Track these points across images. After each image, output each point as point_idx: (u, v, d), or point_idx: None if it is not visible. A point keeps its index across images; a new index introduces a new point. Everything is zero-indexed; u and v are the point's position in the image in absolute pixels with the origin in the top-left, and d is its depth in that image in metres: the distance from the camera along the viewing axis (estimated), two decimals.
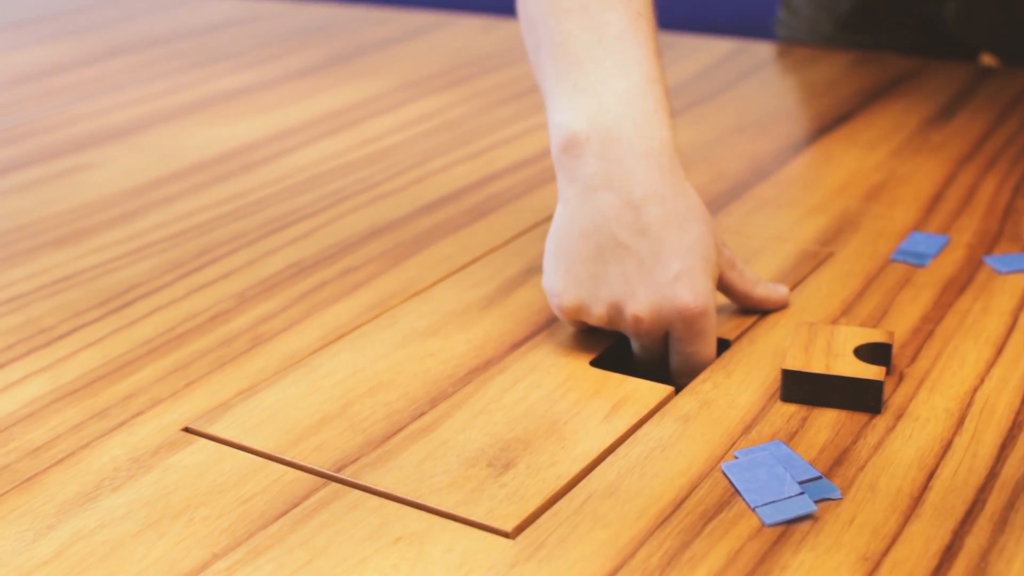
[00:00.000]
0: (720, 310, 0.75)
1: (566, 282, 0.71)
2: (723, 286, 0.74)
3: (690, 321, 0.69)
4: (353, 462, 0.61)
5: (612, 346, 0.73)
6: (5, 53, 1.50)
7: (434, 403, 0.67)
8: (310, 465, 0.61)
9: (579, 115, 0.71)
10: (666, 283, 0.69)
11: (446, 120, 1.17)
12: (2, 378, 0.70)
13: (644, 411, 0.65)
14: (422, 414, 0.66)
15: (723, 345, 0.73)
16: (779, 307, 0.76)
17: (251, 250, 0.87)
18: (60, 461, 0.62)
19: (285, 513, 0.57)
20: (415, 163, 1.05)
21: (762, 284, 0.76)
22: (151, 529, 0.56)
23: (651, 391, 0.67)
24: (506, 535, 0.55)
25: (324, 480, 0.60)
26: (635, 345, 0.72)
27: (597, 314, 0.71)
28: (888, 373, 0.68)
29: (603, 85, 0.72)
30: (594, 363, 0.72)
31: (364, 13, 1.69)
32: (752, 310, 0.76)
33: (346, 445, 0.63)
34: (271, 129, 1.16)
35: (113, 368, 0.71)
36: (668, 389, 0.67)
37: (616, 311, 0.70)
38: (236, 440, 0.63)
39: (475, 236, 0.89)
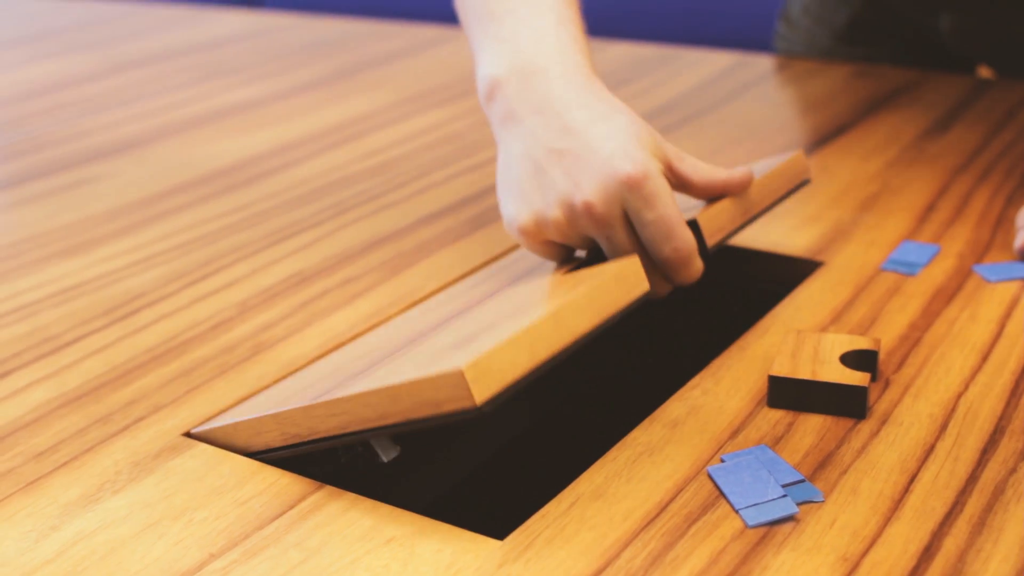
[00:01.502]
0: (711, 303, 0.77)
1: (517, 204, 0.73)
2: (679, 181, 0.73)
3: (637, 187, 0.69)
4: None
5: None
6: (17, 67, 1.53)
7: None
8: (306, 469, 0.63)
9: (498, 62, 0.76)
10: (603, 162, 0.69)
11: (448, 133, 1.18)
12: (8, 384, 0.72)
13: None
14: None
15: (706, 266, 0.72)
16: (744, 189, 0.75)
17: (253, 260, 0.89)
18: (63, 465, 0.64)
19: (281, 515, 0.59)
20: (417, 175, 1.07)
21: (721, 169, 0.75)
22: (151, 530, 0.58)
23: None
24: (495, 536, 0.57)
25: (319, 484, 0.61)
26: (605, 246, 0.72)
27: (554, 219, 0.71)
28: (874, 379, 0.69)
29: (517, 32, 0.77)
30: None
31: (368, 27, 1.71)
32: (717, 198, 0.75)
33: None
34: (276, 142, 1.17)
35: (117, 375, 0.73)
36: None
37: (569, 208, 0.70)
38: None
39: (474, 247, 0.90)
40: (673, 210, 0.69)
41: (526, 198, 0.72)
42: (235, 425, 0.64)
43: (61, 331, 0.79)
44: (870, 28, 1.35)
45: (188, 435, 0.66)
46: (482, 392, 0.54)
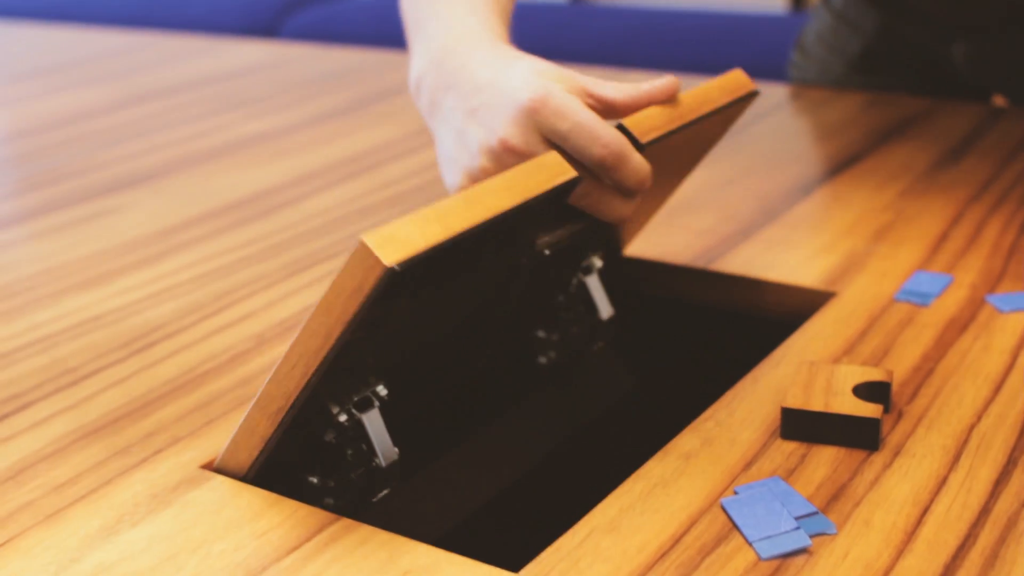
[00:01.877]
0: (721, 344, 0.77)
1: (451, 172, 0.76)
2: (603, 106, 0.74)
3: (541, 107, 0.70)
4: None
5: None
6: (36, 99, 1.54)
7: None
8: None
9: (418, 62, 0.81)
10: (507, 100, 0.72)
11: None
12: (28, 417, 0.73)
13: None
14: None
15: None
16: (670, 95, 0.74)
17: (270, 292, 0.90)
18: (83, 497, 0.64)
19: (298, 547, 0.59)
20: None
21: (645, 83, 0.75)
22: (169, 562, 0.59)
23: None
24: (510, 569, 0.57)
25: (336, 516, 0.62)
26: None
27: (482, 168, 0.74)
28: (887, 411, 0.69)
29: (435, 31, 0.81)
30: None
31: (384, 58, 1.72)
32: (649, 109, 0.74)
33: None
34: (292, 173, 1.18)
35: (135, 407, 0.74)
36: None
37: (490, 153, 0.73)
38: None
39: None
40: (586, 115, 0.71)
41: (456, 163, 0.76)
42: (234, 440, 0.64)
43: (80, 363, 0.79)
44: (884, 57, 1.35)
45: (206, 467, 0.67)
46: (390, 256, 0.54)
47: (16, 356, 0.81)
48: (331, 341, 0.57)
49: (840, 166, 1.13)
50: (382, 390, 0.65)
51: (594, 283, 0.82)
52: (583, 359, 0.87)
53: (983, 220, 0.97)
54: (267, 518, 0.62)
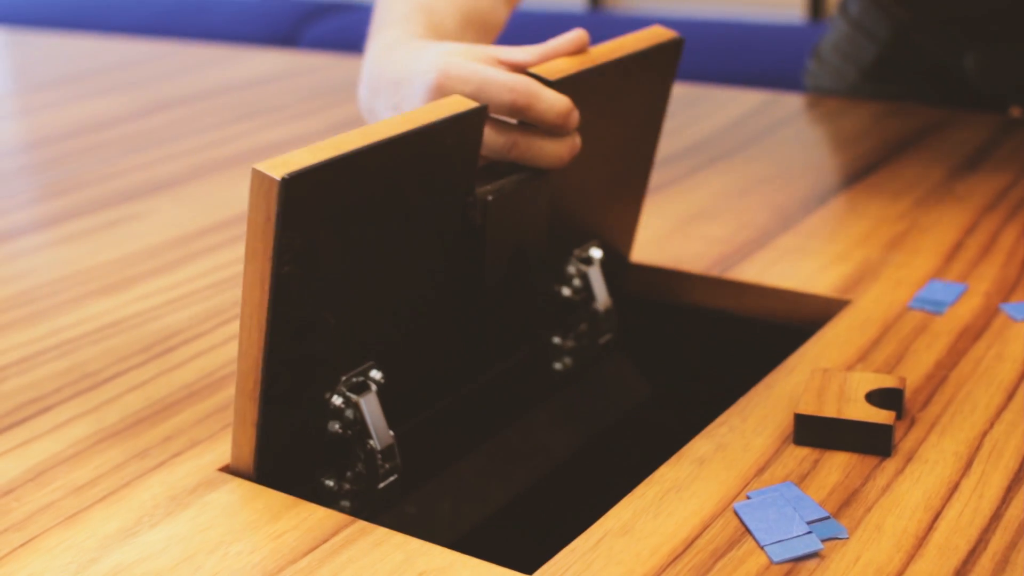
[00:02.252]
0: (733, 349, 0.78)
1: None
2: (516, 67, 0.76)
3: (444, 81, 0.74)
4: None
5: None
6: (60, 107, 1.55)
7: None
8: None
9: (360, 83, 0.86)
10: (419, 82, 0.76)
11: None
12: (49, 420, 0.74)
13: None
14: None
15: None
16: (581, 45, 0.77)
17: None
18: (103, 499, 0.65)
19: (314, 549, 0.60)
20: None
21: (551, 40, 0.77)
22: (187, 563, 0.59)
23: None
24: (524, 571, 0.58)
25: (352, 518, 0.63)
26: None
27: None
28: (899, 417, 0.70)
29: (369, 54, 0.86)
30: None
31: None
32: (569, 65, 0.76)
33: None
34: None
35: (155, 411, 0.75)
36: None
37: None
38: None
39: None
40: (489, 71, 0.73)
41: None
42: (234, 437, 0.66)
43: (100, 367, 0.80)
44: (897, 66, 1.36)
45: (224, 470, 0.68)
46: (280, 172, 0.58)
47: (37, 360, 0.82)
48: (267, 281, 0.59)
49: (856, 176, 1.13)
50: (376, 374, 0.67)
51: (595, 274, 0.83)
52: (597, 365, 0.87)
53: (998, 229, 0.97)
54: (284, 520, 0.63)
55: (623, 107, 0.82)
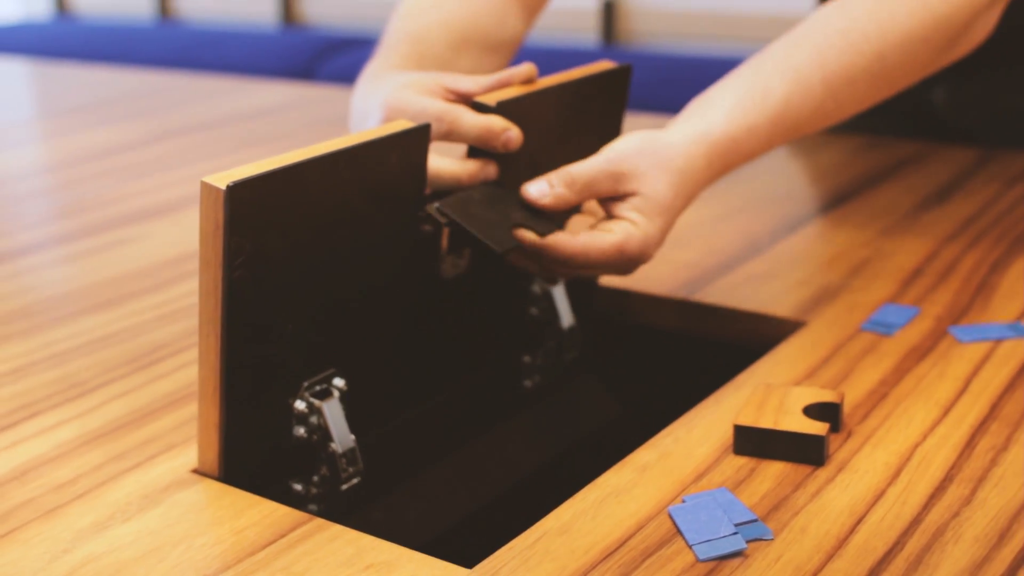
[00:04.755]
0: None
1: None
2: (462, 95, 0.82)
3: (391, 114, 0.81)
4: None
5: None
6: (72, 133, 1.61)
7: None
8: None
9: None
10: (374, 119, 0.84)
11: None
12: (37, 424, 0.78)
13: None
14: None
15: None
16: (528, 77, 0.83)
17: None
18: (80, 496, 0.70)
19: (272, 542, 0.64)
20: None
21: (502, 71, 0.83)
22: (153, 554, 0.64)
23: None
24: (465, 566, 0.62)
25: (311, 516, 0.67)
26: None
27: None
28: (836, 430, 0.74)
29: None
30: None
31: None
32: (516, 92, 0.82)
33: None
34: None
35: (136, 417, 0.79)
36: None
37: None
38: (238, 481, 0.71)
39: None
40: (423, 101, 0.80)
41: None
42: (199, 440, 0.70)
43: (88, 377, 0.85)
44: None
45: (196, 472, 0.72)
46: (225, 181, 0.63)
47: (30, 370, 0.86)
48: (220, 287, 0.63)
49: (828, 205, 1.17)
50: (339, 382, 0.71)
51: (559, 293, 0.88)
52: (566, 383, 0.91)
53: (957, 257, 1.01)
54: (247, 516, 0.67)
55: (574, 129, 0.86)
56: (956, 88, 1.29)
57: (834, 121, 0.91)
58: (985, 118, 1.32)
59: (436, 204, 0.76)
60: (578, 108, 0.86)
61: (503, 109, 0.80)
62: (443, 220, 0.76)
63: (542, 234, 0.78)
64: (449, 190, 0.79)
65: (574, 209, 0.85)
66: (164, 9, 3.38)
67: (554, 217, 0.81)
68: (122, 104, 1.81)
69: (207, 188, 0.63)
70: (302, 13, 3.16)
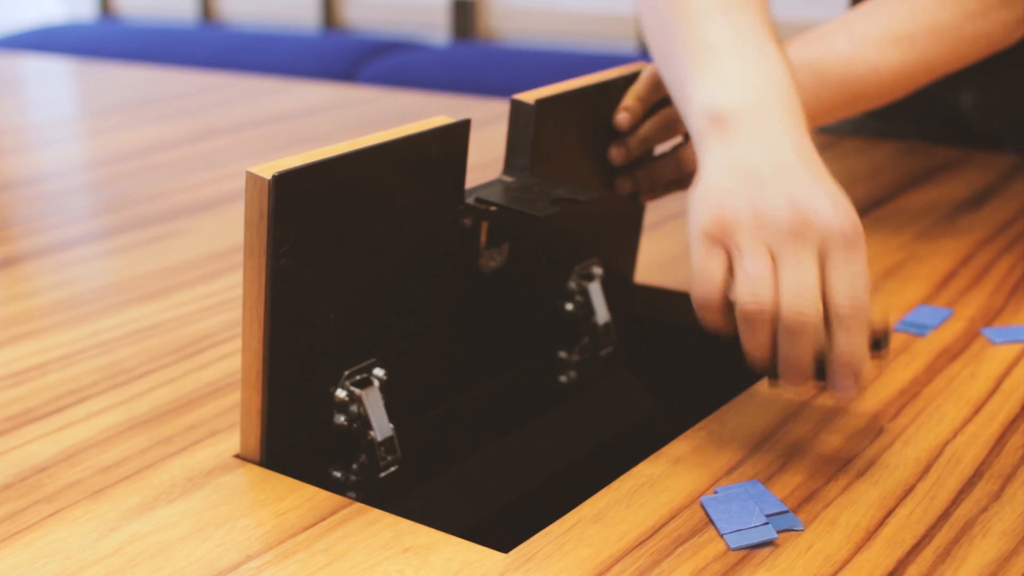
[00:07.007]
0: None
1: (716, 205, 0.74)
2: None
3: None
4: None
5: None
6: (116, 132, 1.64)
7: None
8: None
9: (728, 94, 0.78)
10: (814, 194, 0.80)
11: None
12: (84, 409, 0.80)
13: None
14: None
15: None
16: None
17: None
18: (126, 478, 0.72)
19: (313, 525, 0.66)
20: None
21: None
22: (197, 534, 0.65)
23: None
24: (500, 550, 0.63)
25: (350, 501, 0.68)
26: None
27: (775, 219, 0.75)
28: (882, 347, 0.73)
29: (745, 72, 0.80)
30: None
31: (446, 102, 1.80)
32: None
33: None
34: None
35: (181, 404, 0.81)
36: None
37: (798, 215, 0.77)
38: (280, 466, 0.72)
39: None
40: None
41: (729, 206, 0.75)
42: (241, 426, 0.72)
43: (135, 365, 0.87)
44: (897, 104, 1.40)
45: (239, 457, 0.74)
46: (270, 171, 0.64)
47: (78, 358, 0.88)
48: (264, 275, 0.65)
49: (865, 209, 1.18)
50: (379, 371, 0.73)
51: (595, 289, 0.89)
52: (602, 380, 0.93)
53: (992, 260, 1.02)
54: (288, 500, 0.69)
55: (607, 128, 0.88)
56: (986, 92, 1.29)
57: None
58: (1013, 123, 1.32)
59: (475, 195, 0.78)
60: (612, 108, 0.88)
61: (542, 106, 0.81)
62: (482, 207, 0.77)
63: (584, 200, 0.79)
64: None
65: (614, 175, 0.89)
66: (207, 11, 3.42)
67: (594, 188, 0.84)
68: (167, 103, 1.84)
69: (252, 178, 0.64)
70: (343, 17, 3.19)
